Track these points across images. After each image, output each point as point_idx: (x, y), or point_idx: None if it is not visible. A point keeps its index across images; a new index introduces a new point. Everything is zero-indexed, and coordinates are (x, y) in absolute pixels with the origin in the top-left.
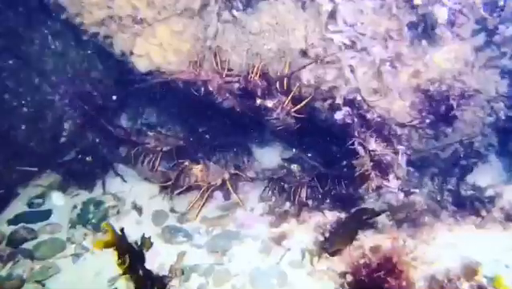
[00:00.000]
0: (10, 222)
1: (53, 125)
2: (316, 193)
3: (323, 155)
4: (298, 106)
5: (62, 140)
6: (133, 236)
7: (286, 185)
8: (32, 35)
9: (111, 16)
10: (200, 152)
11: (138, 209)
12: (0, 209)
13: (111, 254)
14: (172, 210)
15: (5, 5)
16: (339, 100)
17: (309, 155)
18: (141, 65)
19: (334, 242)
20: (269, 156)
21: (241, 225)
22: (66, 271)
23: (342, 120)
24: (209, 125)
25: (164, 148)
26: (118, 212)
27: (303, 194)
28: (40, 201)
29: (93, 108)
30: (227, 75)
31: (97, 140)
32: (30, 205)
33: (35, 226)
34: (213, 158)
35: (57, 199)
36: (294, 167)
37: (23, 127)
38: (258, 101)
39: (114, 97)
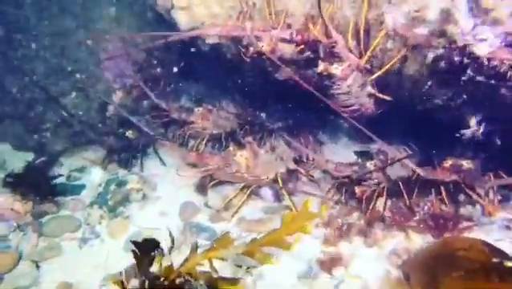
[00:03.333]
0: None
1: (102, 95)
2: (400, 204)
3: (415, 151)
4: (380, 71)
5: (110, 112)
6: (151, 229)
7: (357, 189)
8: None
9: None
10: (250, 135)
11: None
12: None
13: (120, 245)
14: (207, 205)
15: None
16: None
17: (393, 149)
18: (183, 20)
19: None
20: (344, 151)
21: None
22: (67, 256)
23: None
24: (269, 103)
25: (212, 130)
26: (143, 197)
27: (381, 204)
28: (78, 174)
29: (147, 79)
30: (283, 30)
31: (146, 116)
32: (67, 177)
33: (63, 200)
34: (265, 145)
35: (95, 175)
36: (371, 164)
37: (73, 94)
38: (321, 66)
39: (175, 69)
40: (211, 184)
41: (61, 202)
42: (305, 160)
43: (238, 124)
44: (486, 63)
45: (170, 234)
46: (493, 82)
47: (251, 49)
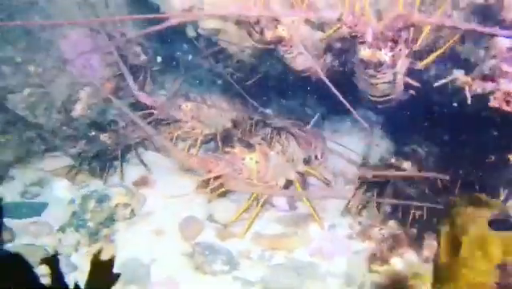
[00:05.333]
0: None
1: (64, 91)
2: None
3: (454, 150)
4: (434, 54)
5: (77, 112)
6: (148, 254)
7: (389, 192)
8: None
9: None
10: (256, 135)
11: None
12: None
13: None
14: (212, 219)
15: None
16: None
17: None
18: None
19: None
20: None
21: (318, 252)
22: None
23: None
24: (273, 96)
25: (203, 130)
26: (132, 214)
27: (420, 211)
28: (37, 189)
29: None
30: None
31: (122, 115)
32: (23, 194)
33: (19, 224)
34: (275, 146)
35: (60, 189)
36: (408, 165)
37: (27, 91)
38: (366, 52)
39: (159, 58)
40: (216, 192)
41: (16, 228)
42: (314, 161)
43: (233, 121)
44: None
45: None
46: None
47: (268, 33)
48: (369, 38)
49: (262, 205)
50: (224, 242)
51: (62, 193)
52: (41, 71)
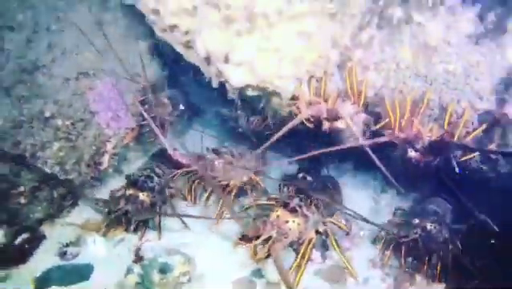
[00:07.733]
0: (39, 284)
1: (93, 144)
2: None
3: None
4: None
5: (104, 164)
6: None
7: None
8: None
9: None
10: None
11: None
12: (23, 260)
13: None
14: (259, 275)
15: None
16: None
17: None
18: (236, 77)
19: None
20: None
21: None
22: None
23: None
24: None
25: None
26: (189, 280)
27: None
28: (75, 249)
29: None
30: None
31: (155, 168)
32: (62, 255)
33: None
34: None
35: (97, 247)
36: (432, 226)
37: (56, 146)
38: (413, 154)
39: (181, 106)
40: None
41: None
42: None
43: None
44: None
45: None
46: None
47: (326, 124)
48: (419, 146)
49: (306, 262)
50: None
51: (99, 251)
52: (69, 123)
